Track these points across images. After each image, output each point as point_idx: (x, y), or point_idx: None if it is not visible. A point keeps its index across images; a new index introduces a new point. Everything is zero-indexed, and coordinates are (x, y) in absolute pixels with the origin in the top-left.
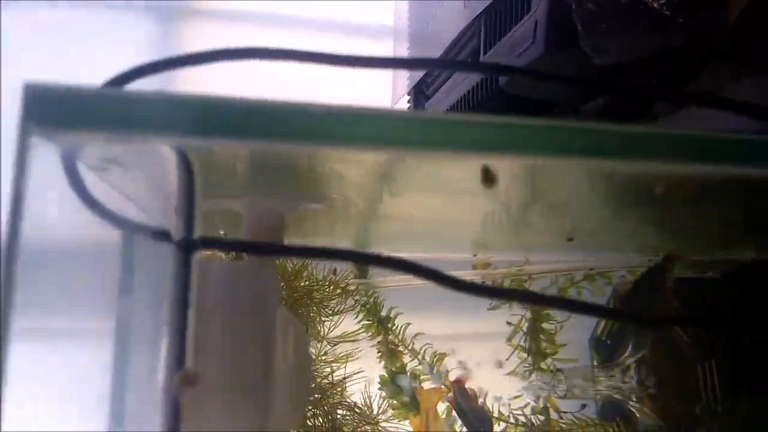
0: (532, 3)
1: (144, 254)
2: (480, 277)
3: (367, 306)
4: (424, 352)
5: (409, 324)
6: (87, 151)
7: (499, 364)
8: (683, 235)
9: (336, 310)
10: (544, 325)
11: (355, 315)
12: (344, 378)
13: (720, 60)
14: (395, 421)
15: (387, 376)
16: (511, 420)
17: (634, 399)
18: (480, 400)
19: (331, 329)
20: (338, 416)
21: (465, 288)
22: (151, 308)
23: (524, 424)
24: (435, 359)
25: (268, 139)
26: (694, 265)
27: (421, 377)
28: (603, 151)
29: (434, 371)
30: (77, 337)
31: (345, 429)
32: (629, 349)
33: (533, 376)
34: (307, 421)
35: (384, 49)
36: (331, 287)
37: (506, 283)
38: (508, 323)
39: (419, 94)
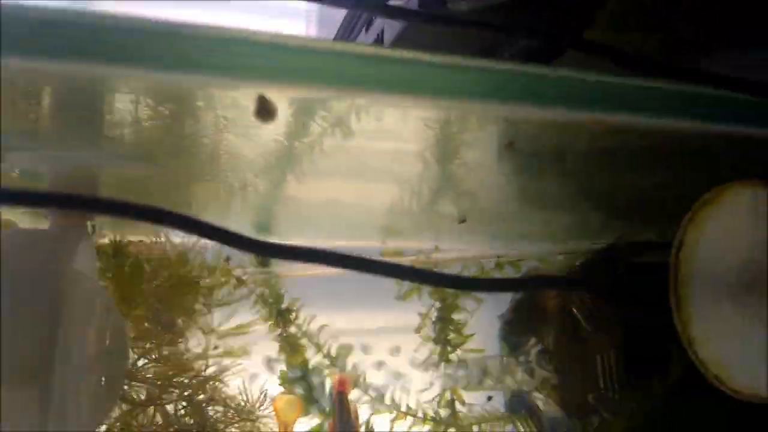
0: None
1: None
2: None
3: (265, 296)
4: (329, 346)
5: (314, 316)
6: None
7: (398, 350)
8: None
9: (226, 301)
10: (454, 316)
11: (252, 306)
12: (219, 373)
13: None
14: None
15: (286, 371)
16: (419, 414)
17: (537, 390)
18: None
19: (223, 322)
20: (210, 413)
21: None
22: None
23: (432, 418)
24: (340, 353)
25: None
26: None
27: (326, 372)
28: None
29: (338, 365)
30: None
31: (219, 426)
32: (533, 339)
33: (441, 366)
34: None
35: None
36: (223, 276)
37: None
38: (419, 314)
39: None
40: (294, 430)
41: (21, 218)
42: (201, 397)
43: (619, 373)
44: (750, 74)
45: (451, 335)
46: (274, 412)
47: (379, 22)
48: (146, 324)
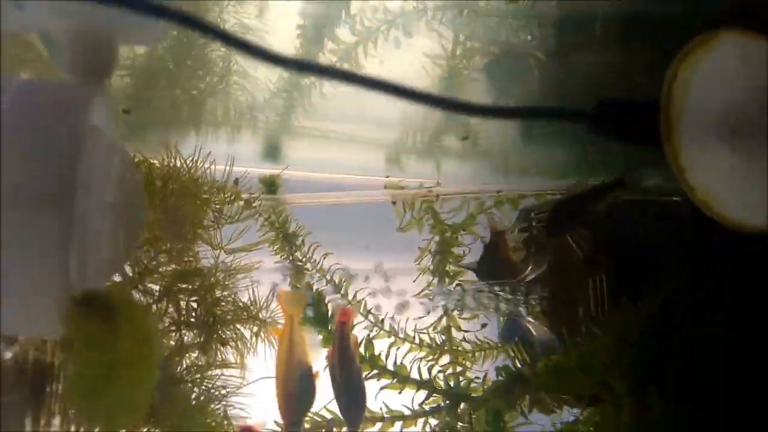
0: None
1: None
2: (392, 197)
3: (271, 220)
4: (332, 273)
5: (317, 245)
6: None
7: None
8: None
9: (234, 218)
10: (453, 249)
11: (258, 228)
12: (228, 278)
13: None
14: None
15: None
16: (416, 341)
17: (530, 316)
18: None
19: (231, 240)
20: (220, 310)
21: None
22: None
23: (428, 345)
24: (342, 281)
25: None
26: None
27: (327, 300)
28: None
29: (341, 293)
30: None
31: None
32: (529, 268)
33: (436, 289)
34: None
35: None
36: (231, 195)
37: (417, 204)
38: (419, 248)
39: None
40: (298, 322)
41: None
42: (211, 294)
43: (609, 296)
44: None
45: (450, 267)
46: (279, 305)
47: None
48: (158, 232)
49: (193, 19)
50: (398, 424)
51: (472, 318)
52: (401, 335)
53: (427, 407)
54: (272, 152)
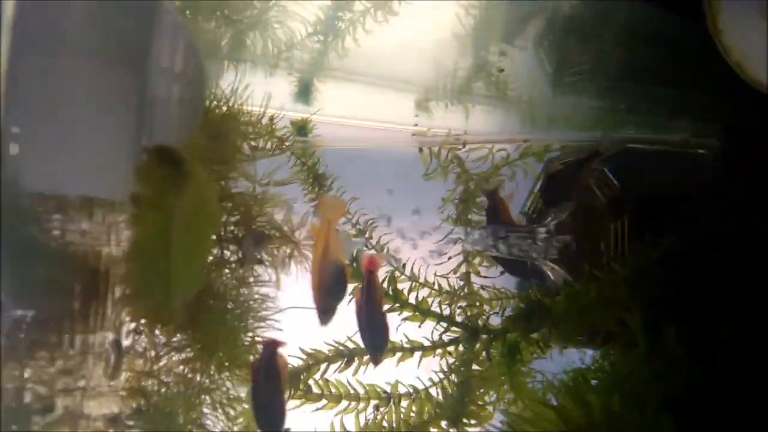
0: None
1: None
2: (419, 144)
3: (303, 160)
4: (358, 217)
5: (344, 191)
6: None
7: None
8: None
9: (269, 154)
10: (477, 199)
11: (291, 167)
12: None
13: None
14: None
15: None
16: (435, 286)
17: (549, 260)
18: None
19: (265, 176)
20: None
21: None
22: None
23: (447, 291)
24: (368, 225)
25: None
26: None
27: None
28: None
29: (366, 237)
30: None
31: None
32: (551, 217)
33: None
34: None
35: None
36: (267, 129)
37: (443, 153)
38: (442, 199)
39: None
40: (335, 228)
41: None
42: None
43: (630, 239)
44: None
45: (472, 216)
46: (319, 210)
47: None
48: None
49: None
50: (417, 355)
51: (492, 266)
52: (421, 280)
53: (445, 338)
54: (305, 93)
